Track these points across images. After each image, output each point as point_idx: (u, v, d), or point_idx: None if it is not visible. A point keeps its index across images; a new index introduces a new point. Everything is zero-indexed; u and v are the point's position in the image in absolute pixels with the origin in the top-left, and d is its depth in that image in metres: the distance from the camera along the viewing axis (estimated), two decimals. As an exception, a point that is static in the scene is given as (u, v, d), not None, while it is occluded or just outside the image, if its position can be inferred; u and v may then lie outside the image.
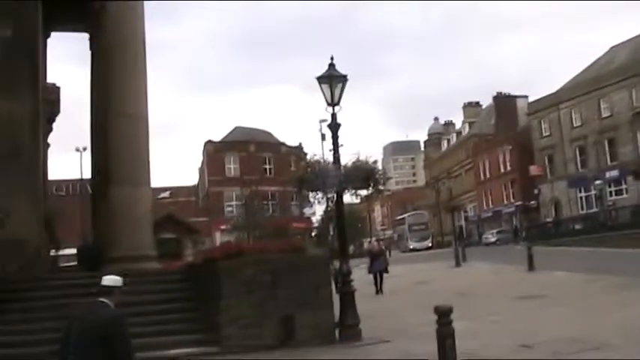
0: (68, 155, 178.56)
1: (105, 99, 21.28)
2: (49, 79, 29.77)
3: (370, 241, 50.26)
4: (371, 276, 27.49)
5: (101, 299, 6.44)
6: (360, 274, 24.94)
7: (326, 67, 15.66)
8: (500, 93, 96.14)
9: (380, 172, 16.30)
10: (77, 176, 62.93)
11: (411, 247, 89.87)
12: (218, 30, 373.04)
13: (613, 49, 76.62)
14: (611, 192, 66.82)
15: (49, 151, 32.78)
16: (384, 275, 27.52)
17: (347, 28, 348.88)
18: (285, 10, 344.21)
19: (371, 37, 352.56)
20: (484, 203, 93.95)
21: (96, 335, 6.17)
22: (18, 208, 16.07)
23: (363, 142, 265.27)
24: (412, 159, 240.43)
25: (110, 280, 6.62)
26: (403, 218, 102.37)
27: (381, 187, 16.75)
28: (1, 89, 17.55)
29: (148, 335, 14.16)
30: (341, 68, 15.71)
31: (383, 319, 18.17)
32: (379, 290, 26.48)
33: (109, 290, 6.51)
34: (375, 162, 16.62)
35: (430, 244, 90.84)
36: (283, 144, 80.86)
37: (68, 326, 6.49)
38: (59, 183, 59.34)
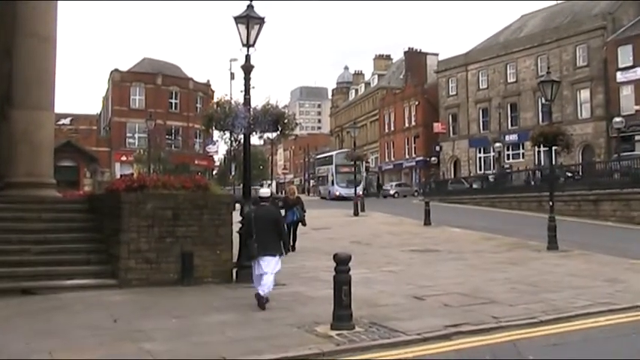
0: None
1: (11, 17, 20.35)
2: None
3: (284, 186, 43.87)
4: None
5: (263, 203, 12.61)
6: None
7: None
8: (412, 48, 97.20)
9: (289, 117, 16.39)
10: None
11: (338, 193, 68.46)
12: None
13: (524, 17, 78.73)
14: (508, 155, 69.17)
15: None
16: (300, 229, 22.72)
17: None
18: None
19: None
20: (386, 155, 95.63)
21: (270, 220, 12.15)
22: None
23: (271, 83, 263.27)
24: (319, 105, 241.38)
25: (265, 192, 13.26)
26: (329, 157, 79.09)
27: (288, 132, 16.89)
28: None
29: (46, 264, 14.04)
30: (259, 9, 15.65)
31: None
32: (291, 246, 20.26)
33: (267, 198, 12.89)
34: (286, 107, 16.72)
35: (361, 193, 70.35)
36: (191, 79, 79.73)
37: (249, 217, 12.48)
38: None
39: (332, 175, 72.90)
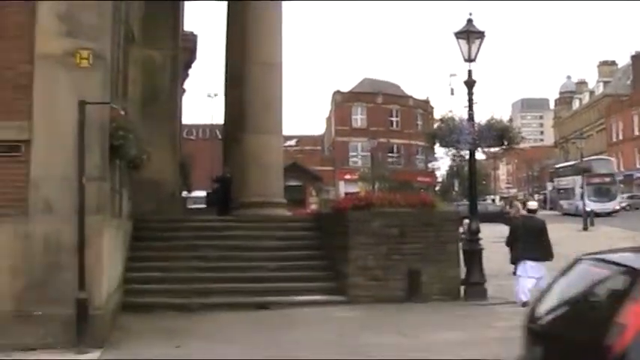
0: (199, 100, 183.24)
1: (240, 46, 21.63)
2: (187, 27, 30.58)
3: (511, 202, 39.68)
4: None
5: (530, 214, 14.50)
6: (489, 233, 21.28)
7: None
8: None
9: (514, 131, 16.03)
10: (207, 121, 64.70)
11: (589, 208, 49.89)
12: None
13: None
14: None
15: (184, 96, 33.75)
16: None
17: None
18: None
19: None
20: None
21: (537, 229, 13.71)
22: (157, 150, 16.71)
23: (491, 96, 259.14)
24: (540, 117, 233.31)
25: (533, 204, 15.34)
26: (572, 165, 65.76)
27: (513, 147, 16.53)
28: (145, 37, 18.15)
29: (278, 281, 14.64)
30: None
31: (509, 279, 17.95)
32: None
33: (535, 210, 14.88)
34: (510, 120, 16.39)
35: (618, 207, 60.19)
36: (411, 97, 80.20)
37: (515, 227, 14.43)
38: (190, 127, 61.11)
39: (579, 186, 57.67)
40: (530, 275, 13.43)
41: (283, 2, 21.74)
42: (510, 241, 14.83)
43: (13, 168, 10.16)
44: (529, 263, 13.49)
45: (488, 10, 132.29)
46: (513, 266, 18.68)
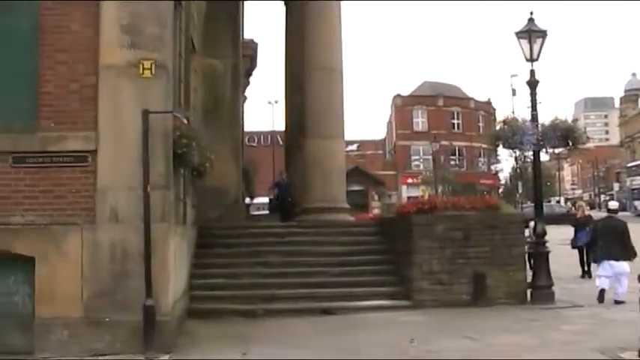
0: (260, 107, 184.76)
1: (300, 52, 21.74)
2: (247, 35, 30.86)
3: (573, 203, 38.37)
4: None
5: (610, 215, 15.05)
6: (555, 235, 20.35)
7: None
8: None
9: (580, 131, 15.70)
10: (268, 128, 65.23)
11: None
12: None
13: None
14: None
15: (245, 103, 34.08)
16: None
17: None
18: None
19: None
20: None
21: (618, 230, 14.24)
22: (220, 157, 16.84)
23: (553, 95, 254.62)
24: (605, 116, 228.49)
25: (614, 204, 15.66)
26: None
27: (579, 147, 16.21)
28: (206, 47, 18.38)
29: (343, 286, 14.63)
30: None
31: (576, 282, 17.63)
32: (585, 272, 19.04)
33: (616, 210, 15.17)
34: (575, 120, 16.09)
35: None
36: (472, 99, 79.54)
37: (596, 226, 15.33)
38: (251, 134, 61.70)
39: None
40: (609, 275, 14.15)
41: (342, 4, 21.78)
42: (590, 242, 15.69)
43: (80, 178, 10.37)
44: (610, 262, 14.13)
45: (550, 8, 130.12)
46: (581, 269, 18.62)
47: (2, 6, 10.65)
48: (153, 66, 10.33)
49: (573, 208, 24.97)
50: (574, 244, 19.71)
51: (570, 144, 15.62)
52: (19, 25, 10.71)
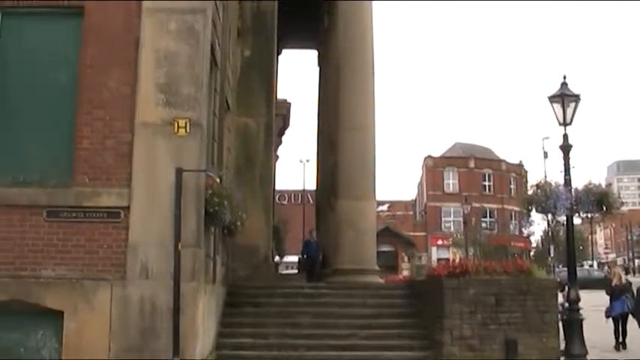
0: (291, 165, 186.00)
1: (333, 113, 21.95)
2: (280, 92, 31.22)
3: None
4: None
5: None
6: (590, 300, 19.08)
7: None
8: None
9: (614, 196, 15.53)
10: (298, 186, 65.53)
11: None
12: (435, 34, 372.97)
13: None
14: None
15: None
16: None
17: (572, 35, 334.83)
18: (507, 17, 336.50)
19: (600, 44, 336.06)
20: None
21: None
22: (251, 215, 16.93)
23: (585, 157, 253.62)
24: (639, 179, 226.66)
25: None
26: None
27: (613, 212, 15.99)
28: (240, 105, 18.65)
29: (371, 349, 14.39)
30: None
31: (611, 352, 17.20)
32: (620, 343, 17.77)
33: None
34: (609, 185, 15.92)
35: None
36: (503, 161, 79.37)
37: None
38: (282, 192, 61.95)
39: None
40: None
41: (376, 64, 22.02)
42: (636, 307, 15.93)
43: (112, 233, 10.47)
44: None
45: (580, 70, 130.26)
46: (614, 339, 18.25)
47: (45, 62, 10.94)
48: (188, 124, 10.47)
49: (609, 274, 24.24)
50: (608, 314, 18.42)
51: (604, 209, 15.44)
52: (59, 80, 10.99)
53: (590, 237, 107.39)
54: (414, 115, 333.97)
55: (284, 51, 31.73)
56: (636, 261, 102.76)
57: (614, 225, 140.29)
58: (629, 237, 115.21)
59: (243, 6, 19.93)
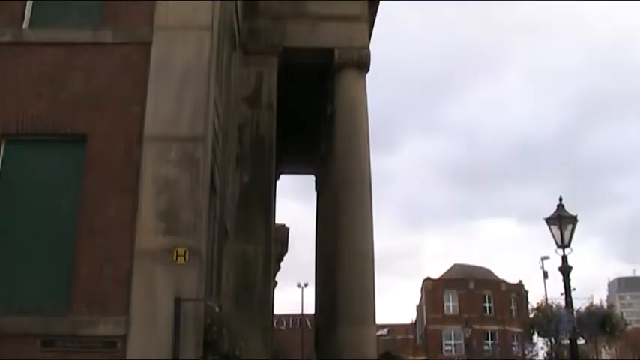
0: (288, 289, 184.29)
1: (332, 238, 21.91)
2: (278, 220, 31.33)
3: None
4: None
5: None
6: None
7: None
8: None
9: (617, 317, 15.33)
10: (295, 310, 64.77)
11: None
12: (431, 161, 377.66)
13: None
14: None
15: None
16: None
17: (568, 155, 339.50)
18: (502, 141, 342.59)
19: (595, 163, 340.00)
20: None
21: None
22: (250, 342, 16.66)
23: (585, 273, 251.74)
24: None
25: None
26: None
27: (617, 334, 15.75)
28: (238, 232, 18.68)
29: None
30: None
31: None
32: None
33: None
34: (612, 306, 15.72)
35: None
36: (503, 281, 78.84)
37: None
38: (280, 317, 61.23)
39: None
40: None
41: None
42: None
43: (108, 364, 10.24)
44: None
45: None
46: None
47: (46, 188, 11.05)
48: (187, 253, 10.46)
49: None
50: None
51: (608, 330, 15.22)
52: (60, 207, 11.05)
53: (594, 357, 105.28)
54: (412, 235, 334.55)
55: (282, 176, 32.11)
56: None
57: (619, 344, 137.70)
58: (635, 357, 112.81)
59: (242, 131, 20.29)
